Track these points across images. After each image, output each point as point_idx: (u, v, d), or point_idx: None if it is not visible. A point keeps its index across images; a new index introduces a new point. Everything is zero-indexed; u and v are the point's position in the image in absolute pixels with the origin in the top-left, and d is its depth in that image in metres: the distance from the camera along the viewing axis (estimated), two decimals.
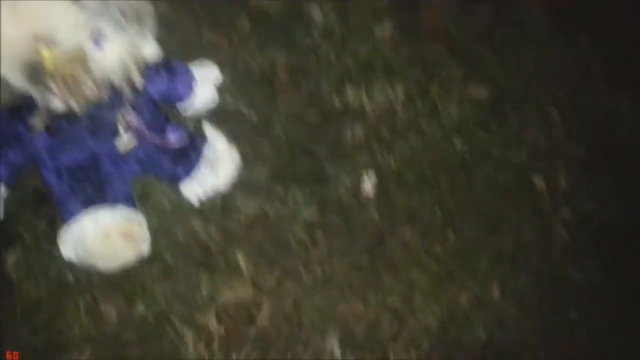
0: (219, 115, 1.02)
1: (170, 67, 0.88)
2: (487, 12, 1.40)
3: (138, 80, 0.76)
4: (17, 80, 0.69)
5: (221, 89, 1.01)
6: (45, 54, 0.68)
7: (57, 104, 0.71)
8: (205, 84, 0.95)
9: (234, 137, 0.99)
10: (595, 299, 1.05)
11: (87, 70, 0.70)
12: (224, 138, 0.95)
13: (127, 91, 0.77)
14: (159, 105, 0.88)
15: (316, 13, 1.27)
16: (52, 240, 0.86)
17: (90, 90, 0.71)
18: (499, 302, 1.03)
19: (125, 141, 0.81)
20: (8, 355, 0.80)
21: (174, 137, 0.88)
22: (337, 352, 0.92)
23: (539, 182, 1.17)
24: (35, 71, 0.68)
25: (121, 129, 0.80)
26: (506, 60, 1.33)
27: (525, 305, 1.03)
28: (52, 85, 0.69)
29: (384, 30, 1.32)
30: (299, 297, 0.94)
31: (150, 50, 0.75)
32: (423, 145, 1.16)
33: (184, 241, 0.93)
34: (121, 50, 0.72)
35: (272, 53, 1.17)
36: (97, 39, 0.70)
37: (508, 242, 1.08)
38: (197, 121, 0.99)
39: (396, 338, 0.95)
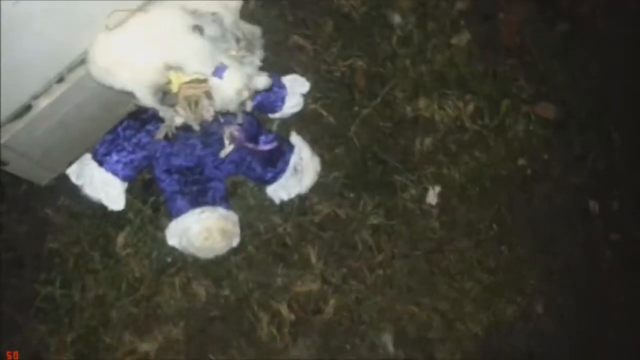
0: (301, 117, 1.11)
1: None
2: (566, 27, 1.43)
3: (249, 106, 0.85)
4: (148, 100, 0.79)
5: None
6: (174, 79, 0.78)
7: (178, 120, 0.82)
8: (295, 95, 1.04)
9: (313, 139, 1.09)
10: (634, 321, 1.13)
11: (208, 95, 0.79)
12: (308, 147, 1.05)
13: (237, 112, 0.85)
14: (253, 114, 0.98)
15: (397, 19, 1.33)
16: (156, 225, 0.99)
17: (208, 112, 0.81)
18: (542, 317, 1.12)
19: (226, 149, 0.91)
20: (8, 355, 0.85)
21: (265, 143, 0.99)
22: (390, 348, 1.04)
23: (594, 206, 1.23)
24: (164, 94, 0.78)
25: (226, 140, 0.90)
26: (576, 79, 1.37)
27: (566, 322, 1.12)
28: (177, 106, 0.79)
29: (461, 40, 1.37)
30: (361, 294, 1.06)
31: (263, 81, 0.83)
32: (487, 160, 1.23)
33: (265, 235, 1.04)
34: (238, 81, 0.80)
35: (352, 57, 1.23)
36: (219, 70, 0.78)
37: (557, 262, 1.17)
38: (283, 123, 1.09)
39: (444, 340, 1.06)
